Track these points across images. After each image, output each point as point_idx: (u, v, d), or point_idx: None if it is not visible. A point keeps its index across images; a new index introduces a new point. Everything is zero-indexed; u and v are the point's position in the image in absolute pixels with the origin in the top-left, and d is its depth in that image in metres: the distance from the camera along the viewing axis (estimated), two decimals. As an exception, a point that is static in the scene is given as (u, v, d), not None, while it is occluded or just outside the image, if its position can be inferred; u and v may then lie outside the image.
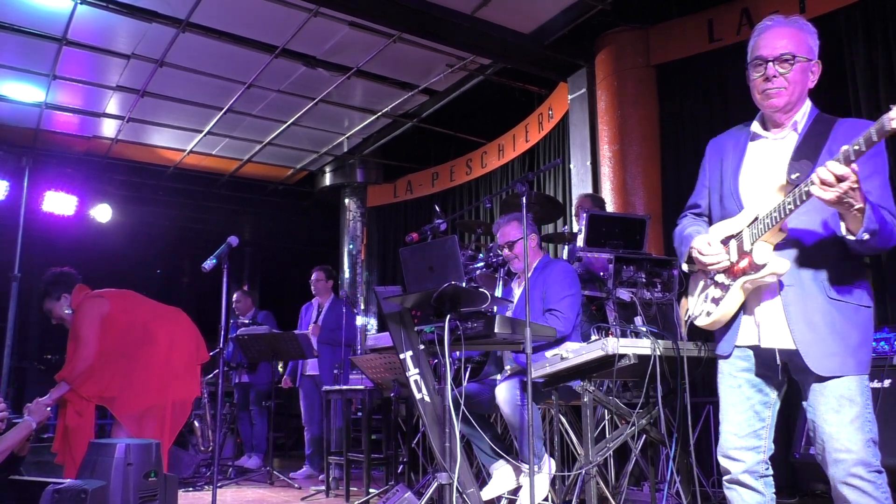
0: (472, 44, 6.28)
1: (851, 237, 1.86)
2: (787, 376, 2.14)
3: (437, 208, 4.42)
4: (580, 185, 6.30)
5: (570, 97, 6.54)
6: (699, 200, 2.34)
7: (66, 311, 4.00)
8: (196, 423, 6.05)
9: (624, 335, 3.03)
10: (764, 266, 1.98)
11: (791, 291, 2.02)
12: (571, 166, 6.45)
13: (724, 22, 5.41)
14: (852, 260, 2.00)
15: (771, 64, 2.07)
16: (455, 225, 6.94)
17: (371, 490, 4.65)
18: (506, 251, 3.93)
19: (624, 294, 4.11)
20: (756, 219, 2.02)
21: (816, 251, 2.00)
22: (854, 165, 1.78)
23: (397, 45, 6.45)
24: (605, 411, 3.64)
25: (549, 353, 3.13)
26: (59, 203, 7.62)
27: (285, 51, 6.50)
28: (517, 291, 3.97)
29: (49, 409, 3.73)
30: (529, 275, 3.71)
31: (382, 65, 6.87)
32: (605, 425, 3.85)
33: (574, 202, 5.39)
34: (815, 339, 1.97)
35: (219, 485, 5.12)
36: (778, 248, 2.02)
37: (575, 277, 3.80)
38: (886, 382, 3.13)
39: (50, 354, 10.25)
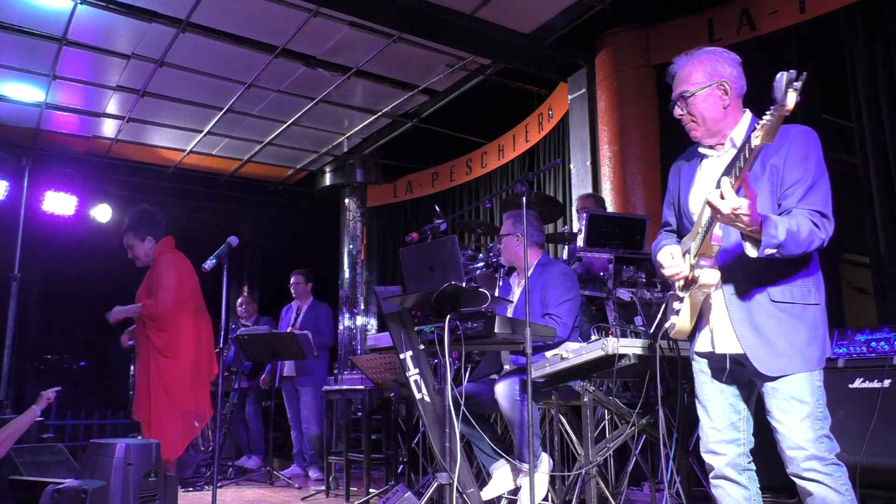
0: (472, 44, 6.28)
1: (753, 254, 1.94)
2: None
3: (437, 208, 4.42)
4: (580, 185, 6.30)
5: (570, 97, 6.55)
6: (668, 218, 2.47)
7: (147, 254, 4.09)
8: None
9: (624, 335, 3.03)
10: (698, 278, 2.08)
11: (734, 299, 2.12)
12: (571, 166, 6.45)
13: (724, 22, 5.41)
14: (796, 261, 2.06)
15: (675, 106, 2.25)
16: (455, 225, 6.95)
17: (371, 490, 4.65)
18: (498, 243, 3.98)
19: (624, 294, 4.11)
20: (698, 233, 2.10)
21: (755, 258, 2.00)
22: (772, 185, 1.95)
23: (397, 45, 6.45)
24: (605, 411, 3.64)
25: (548, 354, 3.13)
26: (59, 203, 7.62)
27: (285, 51, 6.50)
28: (516, 291, 3.97)
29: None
30: (529, 274, 3.71)
31: (382, 65, 6.87)
32: (605, 425, 3.85)
33: (575, 202, 5.39)
34: (761, 342, 2.06)
35: (219, 485, 5.12)
36: (724, 256, 2.13)
37: (574, 280, 3.79)
38: (886, 382, 3.13)
39: (50, 354, 10.25)
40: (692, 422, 4.14)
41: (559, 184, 6.96)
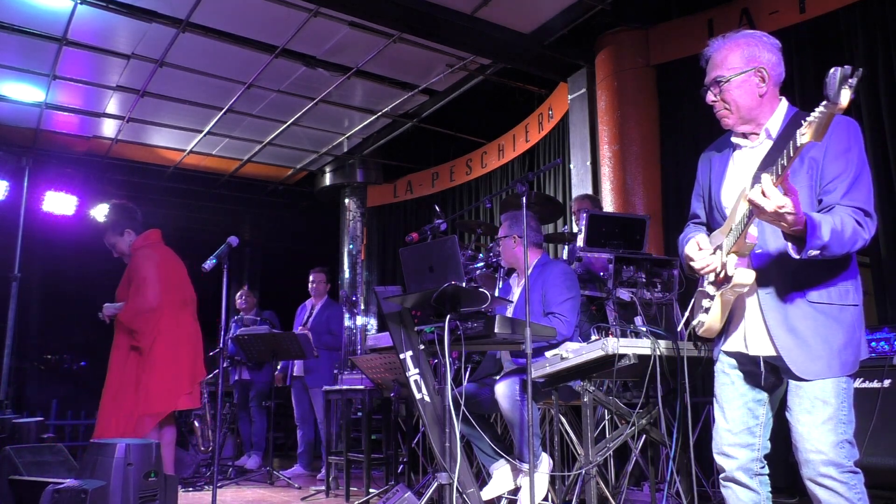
0: (472, 44, 6.27)
1: (797, 256, 1.86)
2: (778, 377, 2.13)
3: (437, 208, 4.42)
4: (580, 185, 6.30)
5: (570, 97, 6.54)
6: (697, 210, 2.36)
7: (130, 248, 4.06)
8: (196, 423, 6.05)
9: (624, 335, 3.03)
10: (731, 277, 1.99)
11: (769, 299, 2.03)
12: (571, 166, 6.45)
13: (724, 22, 5.41)
14: (835, 261, 1.97)
15: (708, 91, 2.15)
16: (455, 225, 6.95)
17: (371, 490, 4.65)
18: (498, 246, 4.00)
19: (624, 294, 4.11)
20: (731, 230, 2.01)
21: (793, 258, 1.92)
22: (805, 180, 1.85)
23: (397, 45, 6.45)
24: (605, 411, 3.64)
25: (549, 354, 3.13)
26: (59, 203, 7.61)
27: (285, 51, 6.50)
28: (516, 291, 3.97)
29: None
30: (529, 274, 3.71)
31: (382, 65, 6.87)
32: (605, 425, 3.85)
33: (573, 203, 5.39)
34: (798, 344, 1.98)
35: (219, 485, 5.12)
36: (759, 256, 2.04)
37: (574, 279, 3.80)
38: (886, 382, 3.13)
39: (50, 354, 10.25)
40: (691, 422, 4.15)
41: (559, 184, 6.96)
